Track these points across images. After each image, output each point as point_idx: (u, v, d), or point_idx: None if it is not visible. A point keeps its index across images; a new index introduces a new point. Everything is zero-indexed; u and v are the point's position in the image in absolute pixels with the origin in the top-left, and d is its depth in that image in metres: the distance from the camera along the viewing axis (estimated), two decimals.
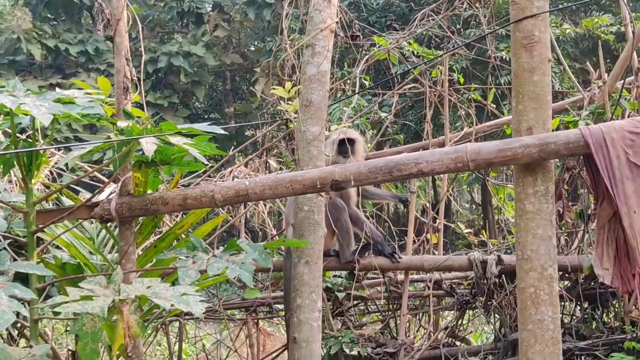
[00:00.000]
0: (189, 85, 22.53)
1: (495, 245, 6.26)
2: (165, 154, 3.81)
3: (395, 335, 5.52)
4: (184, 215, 4.60)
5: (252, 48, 24.51)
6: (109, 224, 3.99)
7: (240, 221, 6.51)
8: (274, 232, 6.60)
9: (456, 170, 3.92)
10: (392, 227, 6.37)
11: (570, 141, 3.65)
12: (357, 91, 6.30)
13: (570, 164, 5.05)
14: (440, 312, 6.09)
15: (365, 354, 5.23)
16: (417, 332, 5.97)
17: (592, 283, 5.19)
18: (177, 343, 6.03)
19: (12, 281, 3.08)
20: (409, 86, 6.41)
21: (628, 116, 5.00)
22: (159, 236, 4.18)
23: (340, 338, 5.29)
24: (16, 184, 5.19)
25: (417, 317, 5.96)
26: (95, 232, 4.43)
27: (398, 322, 5.54)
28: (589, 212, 5.19)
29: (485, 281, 5.18)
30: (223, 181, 5.55)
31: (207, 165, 4.00)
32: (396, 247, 5.58)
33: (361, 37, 5.83)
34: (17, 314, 2.94)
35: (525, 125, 3.74)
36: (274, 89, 5.06)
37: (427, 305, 5.68)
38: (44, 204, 4.09)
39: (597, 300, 5.15)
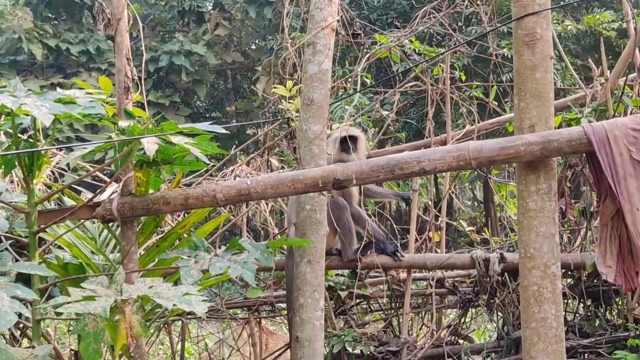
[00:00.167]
0: (190, 84, 22.55)
1: (497, 243, 6.25)
2: (166, 154, 3.81)
3: (397, 333, 5.51)
4: (185, 215, 4.60)
5: (253, 46, 24.53)
6: (110, 224, 3.99)
7: (242, 220, 6.51)
8: (276, 231, 6.59)
9: (458, 168, 3.91)
10: (394, 226, 6.36)
11: (572, 139, 3.64)
12: (358, 89, 6.29)
13: (572, 161, 5.04)
14: (443, 311, 6.08)
15: (368, 352, 5.22)
16: (419, 330, 5.96)
17: (595, 281, 5.19)
18: (180, 342, 6.03)
19: (14, 282, 3.08)
20: (411, 84, 6.40)
21: (631, 113, 4.99)
22: (160, 236, 4.17)
23: (342, 337, 5.29)
24: (18, 185, 5.19)
25: (420, 315, 5.95)
26: (97, 232, 4.43)
27: (401, 320, 5.53)
28: (591, 209, 5.19)
29: (488, 279, 5.17)
30: (225, 180, 5.55)
31: (209, 164, 3.99)
32: (398, 245, 5.57)
33: (362, 35, 5.82)
34: (19, 315, 2.93)
35: (527, 122, 3.73)
36: (275, 87, 5.06)
37: (429, 303, 5.67)
38: (46, 204, 4.09)
39: (600, 297, 5.14)
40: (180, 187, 4.07)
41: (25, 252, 3.84)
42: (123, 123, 3.64)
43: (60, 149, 6.14)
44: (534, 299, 3.71)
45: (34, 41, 20.80)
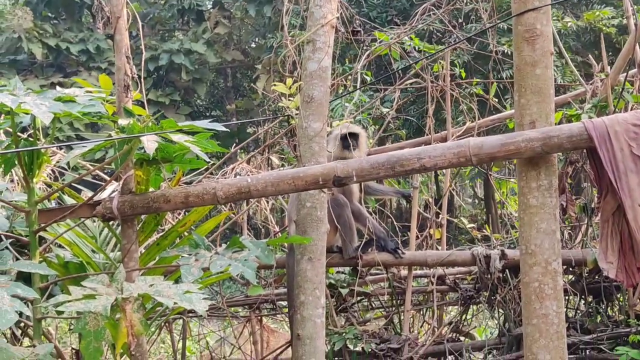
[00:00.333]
0: (190, 82, 22.56)
1: (498, 239, 6.25)
2: (166, 152, 3.80)
3: (399, 331, 5.51)
4: (186, 213, 4.59)
5: (253, 45, 24.52)
6: (111, 223, 3.99)
7: (242, 218, 6.51)
8: (277, 229, 6.58)
9: (459, 165, 3.90)
10: (394, 223, 6.35)
11: (573, 135, 3.63)
12: (358, 87, 6.28)
13: (573, 157, 5.03)
14: (444, 308, 6.07)
15: (369, 350, 5.22)
16: (421, 327, 5.96)
17: (597, 277, 5.18)
18: (181, 341, 6.03)
19: (14, 280, 3.08)
20: (411, 81, 6.39)
21: (631, 109, 4.98)
22: (161, 234, 4.17)
23: (344, 334, 5.29)
24: (18, 183, 5.19)
25: (421, 312, 5.95)
26: (97, 231, 4.43)
27: (402, 317, 5.53)
28: (592, 205, 5.18)
29: (489, 276, 5.17)
30: (225, 178, 5.54)
31: (209, 162, 3.99)
32: (399, 242, 5.56)
33: (362, 32, 5.81)
34: (20, 314, 2.93)
35: (528, 119, 3.72)
36: (275, 85, 5.05)
37: (430, 300, 5.67)
38: (46, 203, 4.08)
39: (601, 294, 5.13)
40: (180, 185, 4.07)
41: (26, 251, 3.84)
42: (123, 121, 3.64)
43: (61, 148, 6.14)
44: (535, 295, 3.71)
45: (33, 40, 20.80)
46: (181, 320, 5.92)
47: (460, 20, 6.78)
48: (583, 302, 5.37)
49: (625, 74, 5.07)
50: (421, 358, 5.31)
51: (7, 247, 3.46)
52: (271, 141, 6.28)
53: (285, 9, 4.68)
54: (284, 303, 5.76)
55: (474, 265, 5.29)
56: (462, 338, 5.77)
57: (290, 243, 4.82)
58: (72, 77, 19.83)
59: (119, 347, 3.03)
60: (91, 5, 20.28)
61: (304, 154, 4.46)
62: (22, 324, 4.49)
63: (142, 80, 3.99)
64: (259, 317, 5.93)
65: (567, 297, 5.22)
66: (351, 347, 5.29)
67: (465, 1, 6.16)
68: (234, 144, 7.82)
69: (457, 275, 5.72)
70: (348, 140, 5.25)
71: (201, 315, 5.92)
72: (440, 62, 6.05)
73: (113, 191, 4.04)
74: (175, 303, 2.98)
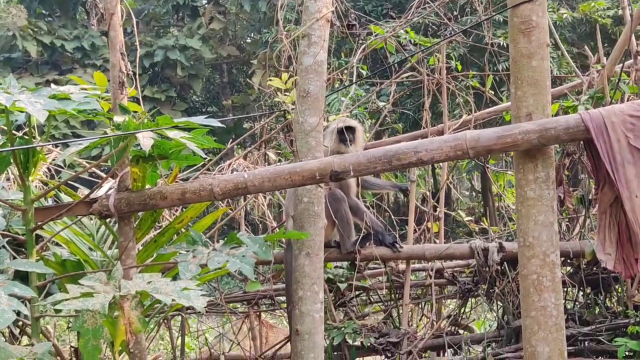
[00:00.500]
0: (186, 78, 22.51)
1: (496, 232, 6.25)
2: (162, 148, 3.79)
3: (398, 324, 5.51)
4: (183, 210, 4.59)
5: (249, 40, 24.46)
6: (108, 220, 3.98)
7: (240, 214, 6.50)
8: (274, 224, 6.59)
9: (456, 158, 3.90)
10: (392, 217, 6.36)
11: (570, 126, 3.63)
12: (354, 81, 6.27)
13: (570, 149, 5.03)
14: (443, 301, 6.08)
15: (368, 344, 5.22)
16: (419, 321, 5.96)
17: (595, 268, 5.18)
18: (180, 337, 6.03)
19: (11, 279, 3.07)
20: (407, 75, 6.38)
21: (628, 100, 4.98)
22: (158, 231, 4.16)
23: (342, 329, 5.28)
24: (14, 182, 5.18)
25: (420, 306, 5.95)
26: (94, 229, 4.41)
27: (400, 311, 5.53)
28: (590, 197, 5.18)
29: (487, 269, 5.17)
30: (222, 174, 5.53)
31: (206, 158, 3.98)
32: (397, 236, 5.56)
33: (357, 26, 5.80)
34: (18, 313, 2.92)
35: (524, 111, 3.72)
36: (270, 80, 5.03)
37: (429, 294, 5.67)
38: (43, 201, 4.07)
39: (599, 285, 5.13)
40: (177, 181, 4.05)
41: (23, 249, 3.83)
42: (118, 118, 3.62)
43: (56, 146, 6.12)
44: (534, 287, 3.71)
45: (28, 38, 20.73)
46: (180, 317, 5.91)
47: (455, 13, 6.76)
48: (581, 293, 5.38)
49: (621, 64, 5.07)
50: (420, 351, 5.31)
51: (3, 246, 3.45)
52: (267, 136, 6.27)
53: (280, 3, 4.66)
54: (283, 298, 5.76)
55: (472, 258, 5.29)
56: (461, 331, 5.78)
57: (288, 238, 4.82)
58: (67, 74, 19.76)
59: (118, 344, 3.02)
60: (85, 2, 20.25)
61: (300, 149, 4.45)
62: (20, 323, 4.48)
63: (137, 76, 3.98)
64: (258, 313, 5.93)
65: (565, 289, 5.22)
66: (350, 341, 5.29)
67: None
68: (231, 140, 7.83)
69: (456, 269, 5.72)
70: (345, 134, 5.24)
71: (199, 312, 5.94)
72: (436, 55, 6.04)
73: (109, 188, 4.03)
74: (173, 300, 2.97)
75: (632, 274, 3.74)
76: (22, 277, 3.47)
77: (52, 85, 3.79)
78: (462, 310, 5.72)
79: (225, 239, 3.72)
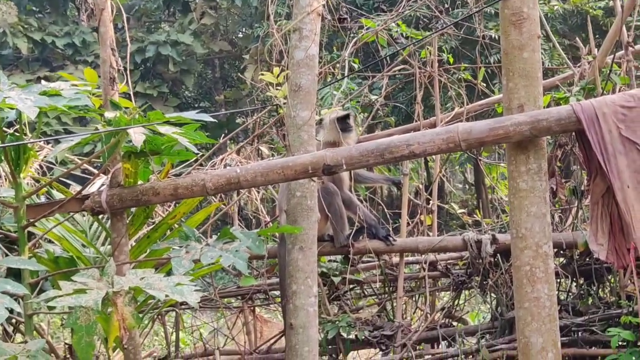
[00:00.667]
0: (178, 74, 22.45)
1: (489, 224, 6.25)
2: (154, 144, 3.78)
3: (392, 317, 5.52)
4: (176, 205, 4.58)
5: (240, 35, 24.42)
6: (100, 216, 3.97)
7: (233, 209, 6.48)
8: (268, 219, 6.57)
9: (448, 150, 3.90)
10: (385, 210, 6.35)
11: (562, 117, 3.64)
12: (346, 74, 6.26)
13: (562, 140, 5.04)
14: (437, 293, 6.08)
15: (363, 337, 5.22)
16: (413, 313, 5.97)
17: (587, 259, 5.19)
18: (174, 333, 6.02)
19: (4, 277, 3.06)
20: (399, 68, 6.37)
21: (619, 91, 4.98)
22: (151, 227, 4.16)
23: (337, 322, 5.29)
24: (5, 179, 5.15)
25: (414, 299, 5.95)
26: (87, 225, 4.40)
27: (394, 304, 5.54)
28: (582, 188, 5.19)
29: (481, 261, 5.18)
30: (214, 169, 5.52)
31: (198, 154, 3.97)
32: (390, 229, 5.56)
33: (349, 19, 5.79)
34: (11, 310, 2.91)
35: (516, 103, 3.72)
36: (262, 74, 5.02)
37: (423, 286, 5.68)
38: (35, 198, 4.06)
39: (592, 276, 5.15)
40: (169, 177, 4.05)
41: (15, 247, 3.82)
42: (109, 114, 3.61)
43: (48, 142, 6.09)
44: (527, 279, 3.72)
45: (18, 35, 20.63)
46: (174, 313, 5.91)
47: (446, 6, 6.77)
48: (574, 284, 5.39)
49: (612, 56, 5.07)
50: (414, 344, 5.32)
51: None
52: (260, 131, 6.25)
53: None
54: (277, 293, 5.76)
55: (466, 250, 5.30)
56: (454, 323, 5.78)
57: (281, 233, 4.81)
58: (58, 71, 19.68)
59: (112, 340, 3.02)
60: None
61: (292, 143, 4.44)
62: (13, 321, 4.47)
63: (127, 72, 3.97)
64: (252, 308, 5.92)
65: (558, 280, 5.23)
66: (344, 334, 5.29)
67: None
68: (223, 135, 7.79)
69: (449, 261, 5.73)
70: (347, 123, 5.22)
71: (193, 307, 5.93)
72: (427, 48, 6.03)
73: (102, 185, 4.02)
74: (166, 295, 2.97)
75: (625, 264, 3.76)
76: (14, 274, 3.47)
77: (43, 81, 3.78)
78: (455, 303, 5.73)
79: (219, 234, 3.72)
